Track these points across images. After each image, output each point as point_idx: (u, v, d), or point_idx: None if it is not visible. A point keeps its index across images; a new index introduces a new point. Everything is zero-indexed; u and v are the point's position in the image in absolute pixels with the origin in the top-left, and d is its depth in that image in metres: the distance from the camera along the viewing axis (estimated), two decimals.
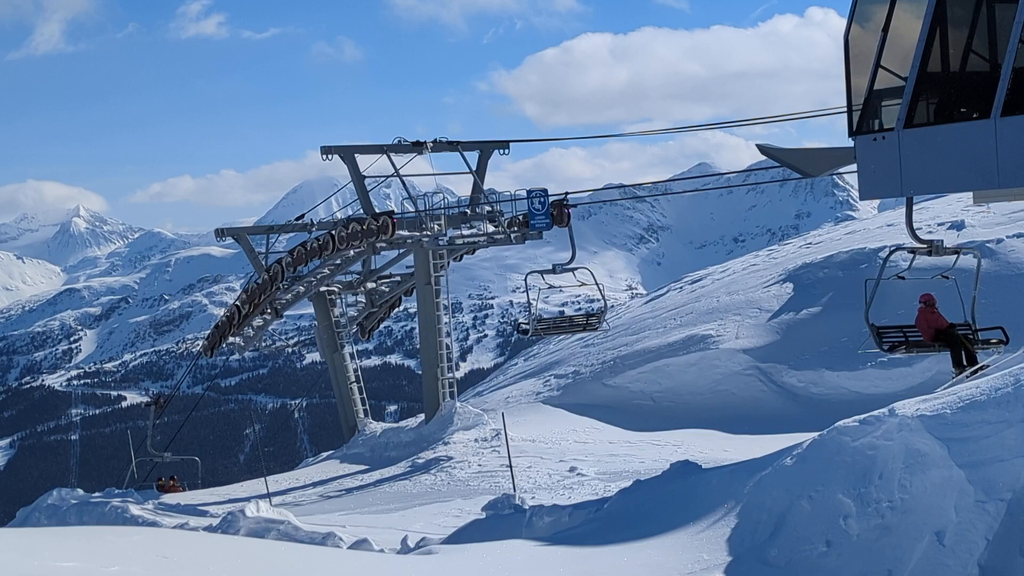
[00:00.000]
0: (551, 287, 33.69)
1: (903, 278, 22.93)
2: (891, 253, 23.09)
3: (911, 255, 22.46)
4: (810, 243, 57.70)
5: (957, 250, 23.07)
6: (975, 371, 20.95)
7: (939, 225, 46.16)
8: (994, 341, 22.97)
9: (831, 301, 43.28)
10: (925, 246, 22.06)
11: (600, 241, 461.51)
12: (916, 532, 12.70)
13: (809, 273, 46.64)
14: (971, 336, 23.02)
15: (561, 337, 49.72)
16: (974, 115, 18.74)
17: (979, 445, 13.13)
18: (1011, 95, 18.23)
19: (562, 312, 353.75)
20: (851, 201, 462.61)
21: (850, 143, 20.53)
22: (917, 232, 22.42)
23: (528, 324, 34.77)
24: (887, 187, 19.97)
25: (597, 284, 34.61)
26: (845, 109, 20.45)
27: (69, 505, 35.45)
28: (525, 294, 30.59)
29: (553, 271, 34.00)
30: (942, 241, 22.89)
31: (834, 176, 25.42)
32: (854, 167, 20.66)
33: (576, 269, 34.02)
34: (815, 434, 15.42)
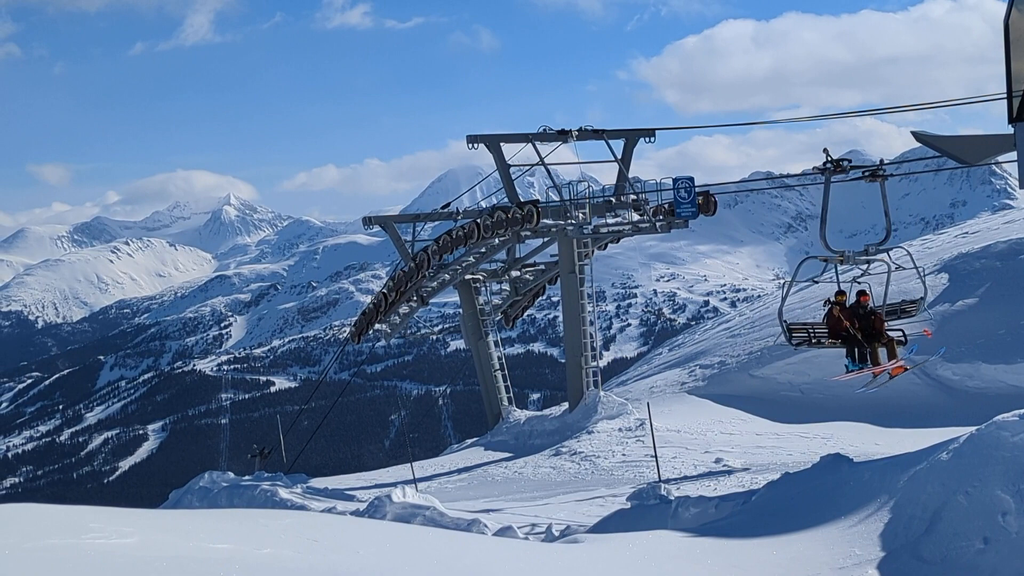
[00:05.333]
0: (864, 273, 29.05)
1: (816, 281, 25.12)
2: (804, 260, 25.45)
3: (824, 263, 24.51)
4: (966, 233, 56.41)
5: (868, 260, 24.83)
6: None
7: None
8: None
9: (988, 292, 42.31)
10: (839, 255, 24.22)
11: (747, 230, 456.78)
12: None
13: (965, 264, 45.61)
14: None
15: (703, 328, 48.97)
16: None
17: None
18: None
19: (707, 302, 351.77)
20: (1009, 190, 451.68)
21: (1010, 130, 19.99)
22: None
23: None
24: None
25: (916, 267, 28.06)
26: (1004, 95, 19.92)
27: (220, 488, 36.12)
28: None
29: (865, 252, 27.18)
30: (853, 251, 24.63)
31: (991, 164, 24.86)
32: (1014, 155, 20.12)
33: (892, 248, 27.15)
34: (972, 428, 15.08)
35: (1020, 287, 41.77)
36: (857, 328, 25.60)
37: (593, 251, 40.97)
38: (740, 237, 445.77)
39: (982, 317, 40.42)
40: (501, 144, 41.53)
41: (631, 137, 41.35)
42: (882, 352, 25.76)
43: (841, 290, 25.59)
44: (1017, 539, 12.73)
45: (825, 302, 26.25)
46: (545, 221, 39.40)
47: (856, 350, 25.45)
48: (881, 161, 31.64)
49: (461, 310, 46.32)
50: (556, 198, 40.06)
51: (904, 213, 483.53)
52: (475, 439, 44.97)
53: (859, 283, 25.58)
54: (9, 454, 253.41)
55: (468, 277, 44.56)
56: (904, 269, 26.97)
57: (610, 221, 40.26)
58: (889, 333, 25.90)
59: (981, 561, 12.73)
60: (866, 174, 30.93)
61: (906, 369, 26.49)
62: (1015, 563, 12.41)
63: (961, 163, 24.47)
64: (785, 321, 24.97)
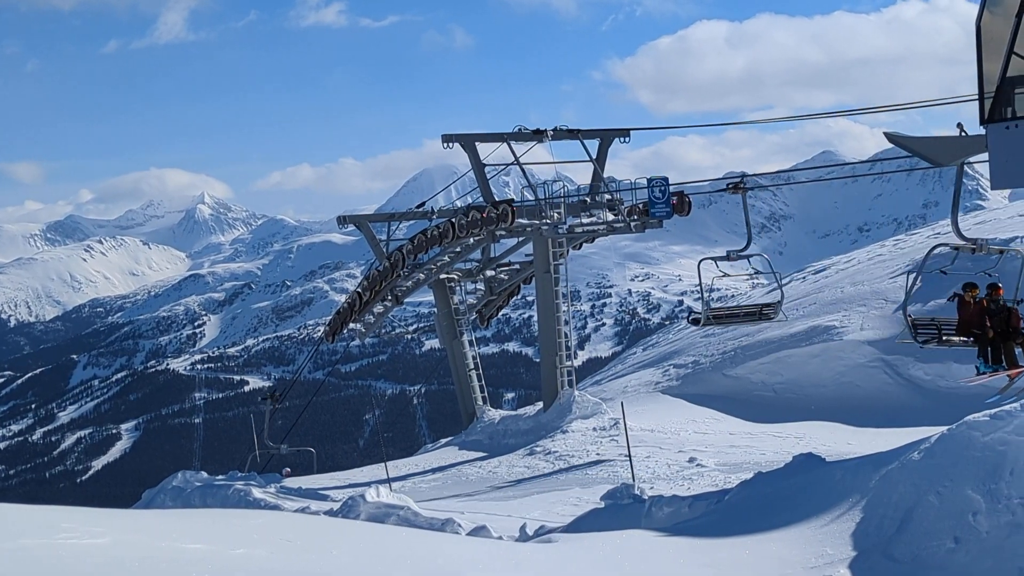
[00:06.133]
0: (724, 275, 31.65)
1: (946, 272, 22.76)
2: (934, 248, 22.91)
3: (955, 251, 22.14)
4: (939, 233, 56.62)
5: (1003, 249, 22.55)
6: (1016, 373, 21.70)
7: None
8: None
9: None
10: (971, 243, 21.95)
11: (721, 230, 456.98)
12: None
13: (937, 264, 45.71)
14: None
15: (730, 328, 48.13)
16: None
17: None
18: None
19: (681, 301, 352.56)
20: (981, 191, 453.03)
21: (981, 131, 20.10)
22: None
23: (700, 314, 32.62)
24: (1020, 176, 19.54)
25: (774, 272, 32.22)
26: (976, 97, 20.02)
27: (193, 487, 36.00)
28: (698, 282, 29.46)
29: (727, 258, 31.24)
30: (987, 240, 22.51)
31: (966, 164, 24.92)
32: (985, 156, 20.24)
33: (752, 256, 30.61)
34: (943, 428, 15.16)
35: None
36: (990, 324, 22.84)
37: (568, 251, 40.96)
38: (714, 237, 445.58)
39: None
40: (476, 144, 41.50)
41: (606, 137, 41.39)
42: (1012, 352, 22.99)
43: (972, 283, 23.27)
44: (988, 539, 12.79)
45: (952, 296, 23.92)
46: (520, 221, 39.37)
47: (990, 350, 22.82)
48: (743, 174, 32.59)
49: (436, 309, 46.25)
50: (531, 198, 40.05)
51: (877, 214, 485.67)
52: (449, 438, 44.91)
53: (991, 276, 23.26)
54: None
55: (443, 276, 44.49)
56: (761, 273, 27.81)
57: (585, 221, 40.27)
58: None
59: (952, 561, 12.79)
60: (729, 187, 31.92)
61: None
62: (986, 563, 12.48)
63: (933, 164, 24.60)
64: (910, 316, 23.23)
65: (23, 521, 11.26)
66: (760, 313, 32.97)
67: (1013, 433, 13.78)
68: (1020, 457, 13.42)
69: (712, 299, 32.91)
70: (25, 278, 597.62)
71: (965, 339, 23.18)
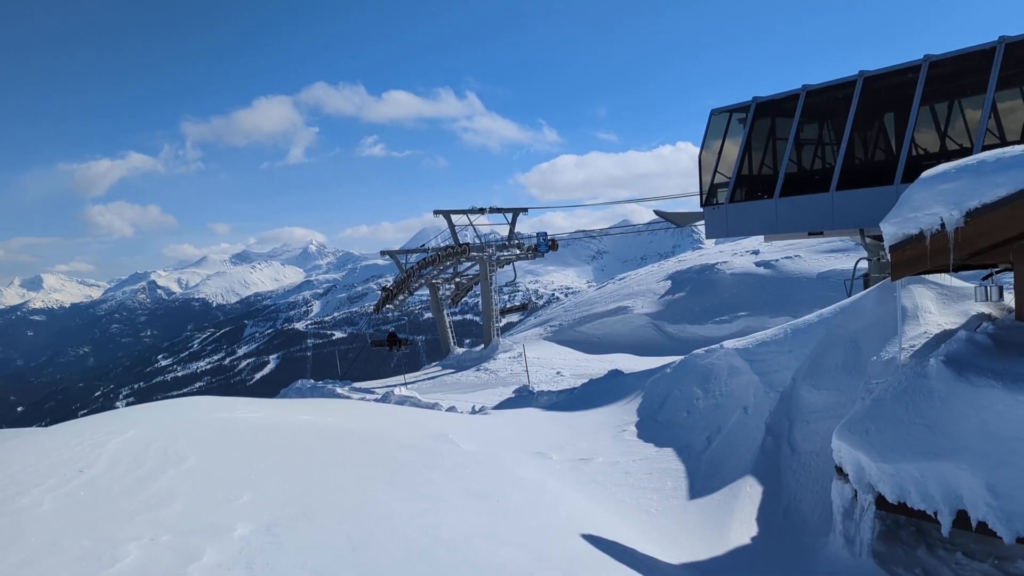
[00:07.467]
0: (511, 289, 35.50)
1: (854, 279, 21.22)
2: (858, 261, 21.42)
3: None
4: (680, 260, 57.22)
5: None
6: None
7: (745, 251, 45.62)
8: None
9: (691, 290, 42.92)
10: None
11: (572, 259, 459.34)
12: (733, 407, 12.59)
13: (679, 275, 46.21)
14: None
15: (517, 314, 50.64)
16: (765, 196, 18.60)
17: (767, 364, 13.01)
18: (784, 187, 18.09)
19: (553, 293, 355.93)
20: (701, 239, 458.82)
21: (701, 210, 20.36)
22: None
23: (503, 307, 36.59)
24: (721, 232, 19.82)
25: (530, 293, 36.93)
26: (699, 193, 20.30)
27: (306, 388, 35.51)
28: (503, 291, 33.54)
29: (509, 284, 36.12)
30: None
31: (693, 226, 25.24)
32: (703, 222, 20.50)
33: (517, 281, 35.01)
34: (682, 356, 15.31)
35: (705, 287, 42.46)
36: None
37: (496, 268, 40.98)
38: (568, 262, 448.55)
39: (687, 302, 40.99)
40: (451, 214, 41.42)
41: (515, 212, 41.46)
42: None
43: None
44: (702, 412, 12.93)
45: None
46: (473, 253, 39.34)
47: None
48: (582, 231, 35.63)
49: (430, 297, 46.03)
50: (479, 242, 40.04)
51: (650, 250, 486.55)
52: (437, 362, 44.67)
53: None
54: (197, 370, 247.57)
55: (434, 281, 44.28)
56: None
57: (505, 254, 40.34)
58: None
59: (686, 422, 12.92)
60: (549, 245, 36.86)
61: None
62: (702, 424, 12.63)
63: (677, 226, 24.84)
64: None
65: (216, 404, 11.05)
66: (525, 308, 37.25)
67: (715, 359, 13.94)
68: (719, 370, 13.58)
69: (522, 299, 36.34)
70: (220, 282, 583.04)
71: None
